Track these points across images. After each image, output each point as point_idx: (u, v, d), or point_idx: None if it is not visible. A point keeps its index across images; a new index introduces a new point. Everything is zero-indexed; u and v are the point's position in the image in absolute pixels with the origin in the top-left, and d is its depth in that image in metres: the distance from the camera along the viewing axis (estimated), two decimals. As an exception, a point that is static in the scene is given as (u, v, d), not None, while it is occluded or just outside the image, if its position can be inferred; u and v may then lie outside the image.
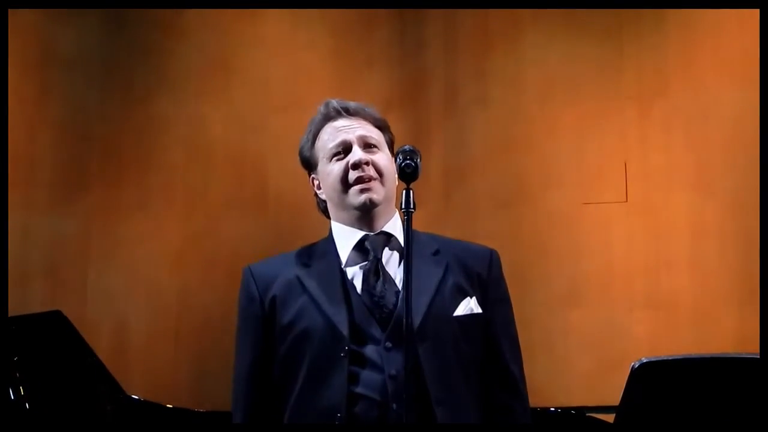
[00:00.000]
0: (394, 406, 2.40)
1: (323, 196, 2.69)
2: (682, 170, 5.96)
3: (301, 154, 2.73)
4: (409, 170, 2.41)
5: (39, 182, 6.31)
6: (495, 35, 6.40)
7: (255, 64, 6.57)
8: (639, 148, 6.06)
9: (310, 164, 2.70)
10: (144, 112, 6.48)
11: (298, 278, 2.58)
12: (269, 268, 2.66)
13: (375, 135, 2.66)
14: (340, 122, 2.66)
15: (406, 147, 2.49)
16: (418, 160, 2.44)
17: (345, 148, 2.61)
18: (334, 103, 2.69)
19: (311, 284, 2.56)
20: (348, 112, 2.67)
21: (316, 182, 2.70)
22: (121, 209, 6.36)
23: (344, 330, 2.47)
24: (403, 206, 2.38)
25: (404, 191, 2.40)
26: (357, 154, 2.59)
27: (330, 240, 2.65)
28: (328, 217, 2.70)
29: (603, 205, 6.06)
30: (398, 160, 2.45)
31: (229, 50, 6.59)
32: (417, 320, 2.44)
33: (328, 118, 2.68)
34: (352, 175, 2.58)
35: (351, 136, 2.62)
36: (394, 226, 2.64)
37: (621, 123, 6.11)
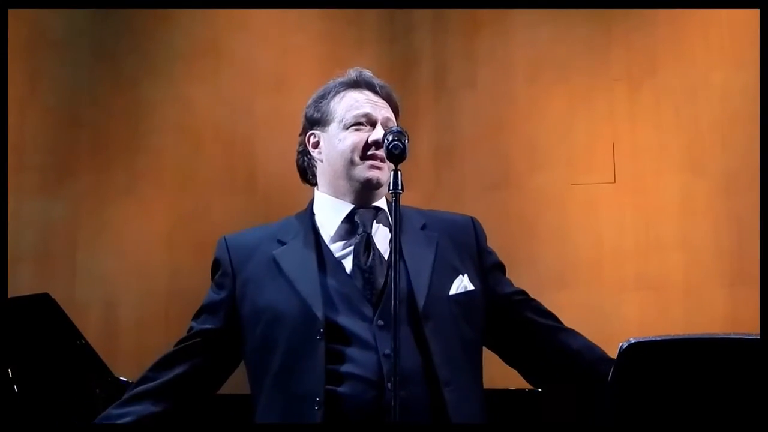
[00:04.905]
0: (389, 385, 2.33)
1: (319, 157, 2.63)
2: (671, 150, 5.95)
3: (311, 107, 2.67)
4: (396, 151, 2.41)
5: (28, 166, 6.29)
6: (483, 16, 6.38)
7: (243, 46, 6.54)
8: (628, 128, 6.05)
9: (316, 121, 2.65)
10: (132, 95, 6.46)
11: (275, 259, 2.54)
12: (246, 242, 2.63)
13: (393, 121, 2.63)
14: (369, 95, 2.63)
15: (394, 128, 2.50)
16: (406, 141, 2.44)
17: (370, 122, 2.58)
18: (368, 74, 2.67)
19: (287, 265, 2.52)
20: (379, 89, 2.66)
21: (313, 140, 2.65)
22: (110, 192, 6.34)
23: (318, 311, 2.43)
24: (391, 187, 2.36)
25: (392, 172, 2.38)
26: (380, 133, 2.55)
27: (310, 213, 2.62)
28: (310, 183, 2.68)
29: (591, 186, 6.05)
30: (386, 141, 2.45)
31: (217, 32, 6.56)
32: (421, 300, 2.44)
33: (356, 84, 2.65)
34: (369, 151, 2.55)
35: (378, 114, 2.59)
36: (383, 202, 2.63)
37: (610, 103, 6.09)
